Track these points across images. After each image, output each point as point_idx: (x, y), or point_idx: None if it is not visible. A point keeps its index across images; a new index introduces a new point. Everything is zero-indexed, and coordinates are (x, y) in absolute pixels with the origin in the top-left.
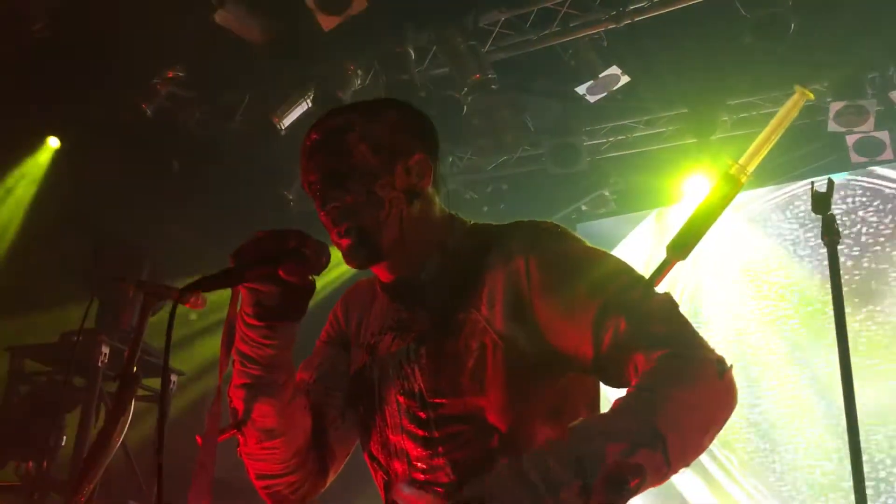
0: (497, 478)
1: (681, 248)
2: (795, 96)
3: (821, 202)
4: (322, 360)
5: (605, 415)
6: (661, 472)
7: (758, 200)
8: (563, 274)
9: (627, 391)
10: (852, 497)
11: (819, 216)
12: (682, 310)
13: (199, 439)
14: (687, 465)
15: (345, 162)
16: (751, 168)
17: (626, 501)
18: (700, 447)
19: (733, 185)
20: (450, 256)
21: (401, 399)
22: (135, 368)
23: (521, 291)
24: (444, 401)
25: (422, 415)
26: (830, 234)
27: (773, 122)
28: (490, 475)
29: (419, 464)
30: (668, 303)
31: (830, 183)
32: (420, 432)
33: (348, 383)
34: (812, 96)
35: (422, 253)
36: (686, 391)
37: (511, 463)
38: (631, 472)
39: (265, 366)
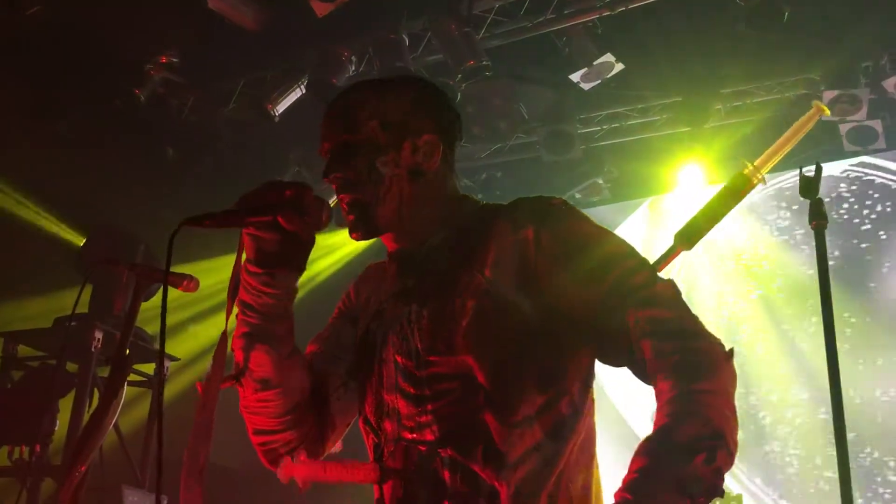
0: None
1: (688, 237)
2: (812, 111)
3: (808, 186)
4: (330, 332)
5: (666, 426)
6: (728, 466)
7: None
8: (572, 249)
9: (665, 394)
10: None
11: (807, 201)
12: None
13: (199, 386)
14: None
15: (353, 136)
16: (764, 171)
17: None
18: (736, 428)
19: (745, 185)
20: (456, 230)
21: (399, 359)
22: (127, 352)
23: (528, 259)
24: (437, 359)
25: (417, 373)
26: (818, 219)
27: (789, 132)
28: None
29: (408, 422)
30: (672, 289)
31: (818, 168)
32: (412, 390)
33: (354, 352)
34: (828, 112)
35: (425, 229)
36: (715, 382)
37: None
38: (719, 477)
39: (264, 314)
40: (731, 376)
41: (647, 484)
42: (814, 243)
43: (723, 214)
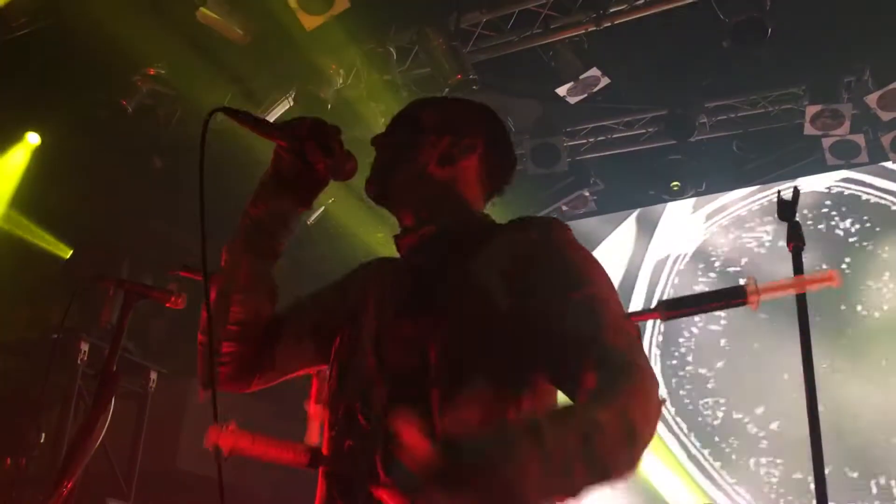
0: (504, 435)
1: (669, 309)
2: (825, 276)
3: (786, 209)
4: (319, 291)
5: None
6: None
7: (740, 202)
8: (565, 264)
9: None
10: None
11: (785, 223)
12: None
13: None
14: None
15: (411, 118)
16: (762, 297)
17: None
18: (648, 437)
19: (739, 298)
20: (461, 224)
21: (374, 350)
22: (115, 368)
23: (520, 260)
24: (406, 333)
25: (385, 346)
26: (796, 241)
27: (800, 281)
28: (494, 430)
29: (367, 390)
30: (636, 333)
31: (796, 191)
32: (375, 359)
33: (333, 323)
34: (836, 285)
35: (433, 214)
36: (641, 395)
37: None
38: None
39: (256, 224)
40: (656, 403)
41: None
42: (810, 253)
43: (707, 310)
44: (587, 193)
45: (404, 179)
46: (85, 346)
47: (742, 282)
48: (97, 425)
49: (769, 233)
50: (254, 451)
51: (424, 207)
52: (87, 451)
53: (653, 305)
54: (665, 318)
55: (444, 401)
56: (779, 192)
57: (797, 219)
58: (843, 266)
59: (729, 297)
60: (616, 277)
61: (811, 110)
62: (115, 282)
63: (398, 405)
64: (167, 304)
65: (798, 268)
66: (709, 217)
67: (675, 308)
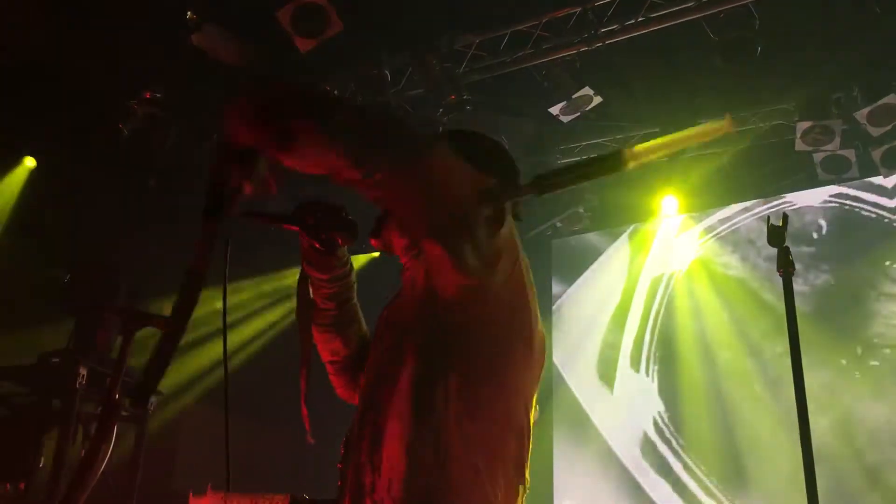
0: None
1: (544, 185)
2: (721, 125)
3: (776, 235)
4: None
5: None
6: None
7: (734, 218)
8: None
9: None
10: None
11: (775, 248)
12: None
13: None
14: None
15: None
16: (640, 160)
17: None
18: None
19: (616, 165)
20: None
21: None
22: (117, 396)
23: None
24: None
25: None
26: (785, 266)
27: (686, 135)
28: None
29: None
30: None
31: (785, 217)
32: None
33: None
34: (729, 129)
35: None
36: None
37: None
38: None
39: (319, 290)
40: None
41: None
42: (805, 273)
43: (584, 180)
44: (581, 210)
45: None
46: (83, 371)
47: None
48: (100, 454)
49: (763, 248)
50: None
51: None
52: (89, 480)
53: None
54: (541, 194)
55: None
56: (768, 217)
57: (786, 244)
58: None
59: (604, 161)
60: (614, 295)
61: (802, 126)
62: (117, 310)
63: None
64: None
65: (789, 292)
66: (702, 234)
67: (549, 179)
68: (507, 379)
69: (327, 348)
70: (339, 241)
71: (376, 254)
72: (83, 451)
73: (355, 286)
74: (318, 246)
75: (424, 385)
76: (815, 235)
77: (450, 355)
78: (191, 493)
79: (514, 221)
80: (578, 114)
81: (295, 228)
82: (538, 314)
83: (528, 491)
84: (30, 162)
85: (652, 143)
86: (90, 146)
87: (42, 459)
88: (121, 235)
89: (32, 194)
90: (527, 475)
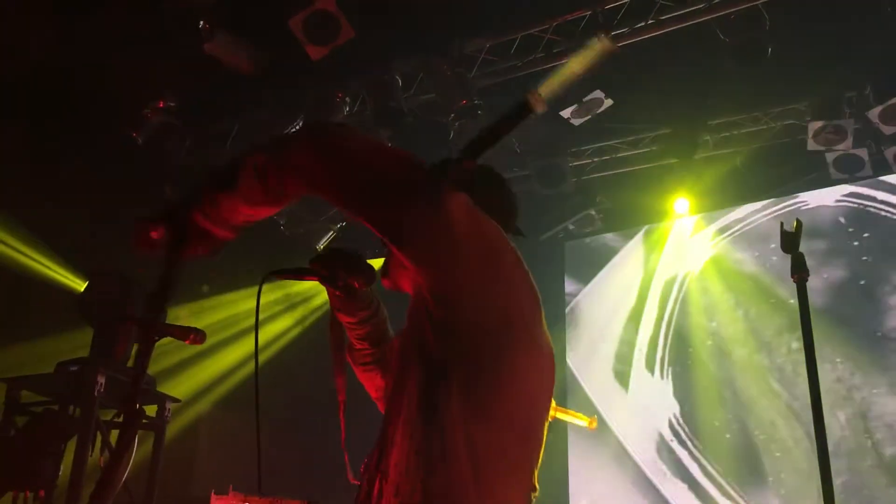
0: None
1: (473, 152)
2: (600, 45)
3: (790, 241)
4: None
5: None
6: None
7: (747, 218)
8: None
9: None
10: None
11: (788, 254)
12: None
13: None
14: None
15: None
16: (546, 98)
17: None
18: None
19: (526, 110)
20: None
21: None
22: (137, 406)
23: None
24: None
25: None
26: (799, 272)
27: (574, 63)
28: None
29: None
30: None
31: (798, 223)
32: None
33: None
34: (611, 47)
35: None
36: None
37: None
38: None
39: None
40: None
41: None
42: (822, 271)
43: (504, 133)
44: (594, 212)
45: None
46: (102, 379)
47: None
48: (122, 463)
49: (776, 247)
50: None
51: None
52: (112, 489)
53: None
54: (474, 157)
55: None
56: (782, 223)
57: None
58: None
59: (515, 111)
60: (629, 295)
61: (814, 126)
62: (136, 320)
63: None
64: (187, 342)
65: (803, 300)
66: (716, 234)
67: (474, 147)
68: (510, 380)
69: (371, 385)
70: (356, 285)
71: None
72: (102, 459)
73: (388, 323)
74: (338, 293)
75: (427, 387)
76: (828, 232)
77: (447, 355)
78: (213, 493)
79: (517, 237)
80: (589, 116)
81: (315, 279)
82: (543, 320)
83: (537, 494)
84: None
85: (549, 81)
86: (105, 155)
87: (61, 467)
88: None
89: (49, 204)
90: (534, 480)
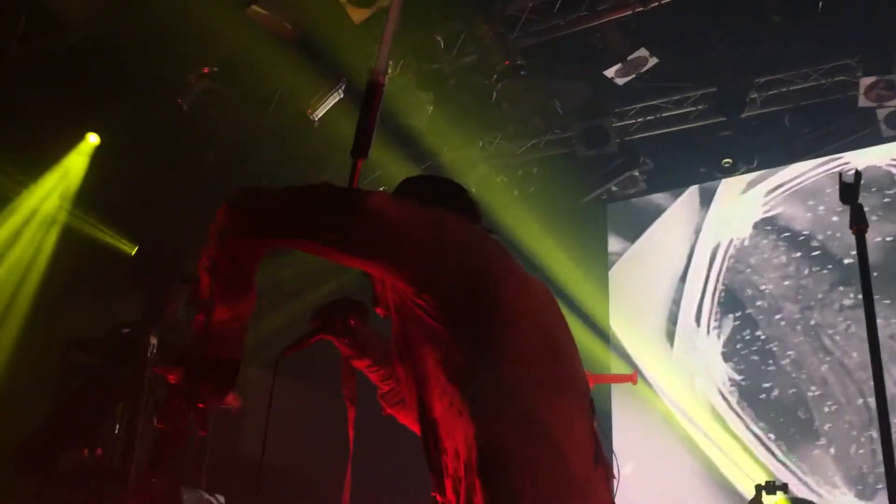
0: None
1: (357, 151)
2: None
3: (849, 192)
4: None
5: None
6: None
7: (798, 177)
8: None
9: None
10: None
11: (847, 206)
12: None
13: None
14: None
15: None
16: (382, 68)
17: None
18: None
19: (375, 89)
20: None
21: None
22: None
23: None
24: None
25: None
26: (858, 224)
27: (389, 24)
28: None
29: None
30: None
31: (857, 174)
32: None
33: None
34: None
35: None
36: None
37: None
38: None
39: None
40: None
41: None
42: (874, 228)
43: (372, 123)
44: (637, 174)
45: None
46: (154, 340)
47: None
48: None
49: (828, 204)
50: None
51: None
52: (175, 448)
53: None
54: (366, 156)
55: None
56: (840, 174)
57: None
58: None
59: (368, 95)
60: (675, 255)
61: (865, 82)
62: (189, 279)
63: None
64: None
65: (862, 251)
66: (766, 194)
67: (357, 145)
68: (514, 316)
69: (408, 421)
70: (352, 322)
71: None
72: (155, 419)
73: None
74: (343, 339)
75: (446, 359)
76: (879, 189)
77: (449, 325)
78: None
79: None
80: (634, 75)
81: (318, 338)
82: (515, 262)
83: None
84: (93, 138)
85: (378, 52)
86: (150, 121)
87: (117, 427)
88: (182, 208)
89: (97, 170)
90: (588, 393)
